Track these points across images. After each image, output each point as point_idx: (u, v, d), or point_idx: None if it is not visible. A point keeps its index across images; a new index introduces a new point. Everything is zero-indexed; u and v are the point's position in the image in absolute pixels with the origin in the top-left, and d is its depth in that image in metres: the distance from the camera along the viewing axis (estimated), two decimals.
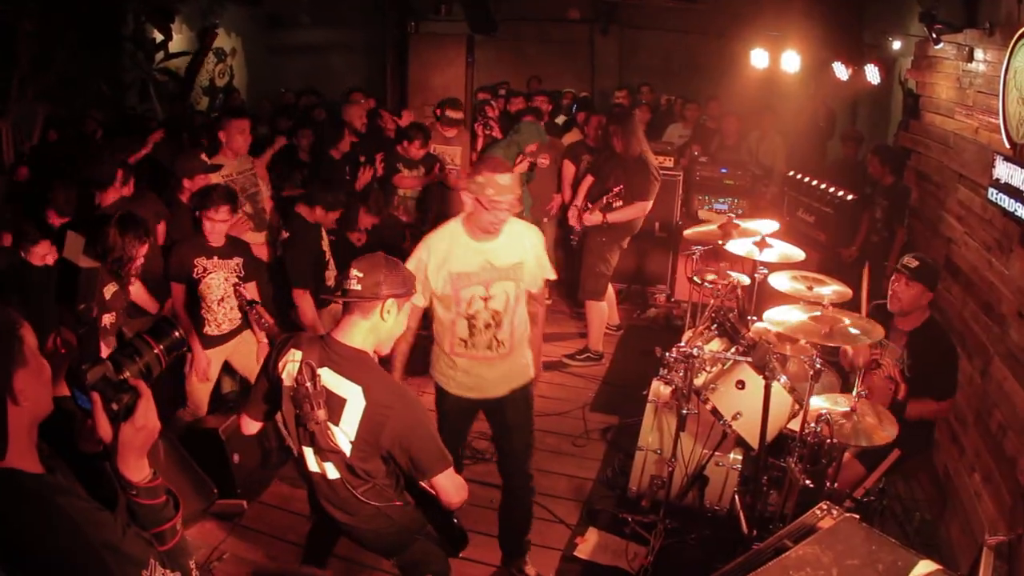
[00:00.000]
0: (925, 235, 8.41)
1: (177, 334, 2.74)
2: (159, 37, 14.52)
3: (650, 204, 9.01)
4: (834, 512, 3.14)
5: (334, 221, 7.80)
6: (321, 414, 3.94)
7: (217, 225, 6.64)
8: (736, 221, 7.00)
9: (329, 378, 3.98)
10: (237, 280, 6.83)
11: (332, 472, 4.12)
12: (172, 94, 15.04)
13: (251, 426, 4.48)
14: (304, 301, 7.28)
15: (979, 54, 7.06)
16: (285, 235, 7.67)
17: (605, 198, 8.95)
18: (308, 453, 4.17)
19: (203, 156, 7.63)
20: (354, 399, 3.94)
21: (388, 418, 3.91)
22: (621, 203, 8.92)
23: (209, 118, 13.05)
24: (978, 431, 6.18)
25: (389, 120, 11.27)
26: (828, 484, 5.24)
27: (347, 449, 3.99)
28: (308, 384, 3.91)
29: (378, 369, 4.11)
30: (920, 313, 5.92)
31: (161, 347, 2.67)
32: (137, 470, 2.49)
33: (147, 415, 2.51)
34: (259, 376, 4.39)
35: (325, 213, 7.55)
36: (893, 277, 5.94)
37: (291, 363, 4.05)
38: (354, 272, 3.94)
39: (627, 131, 8.92)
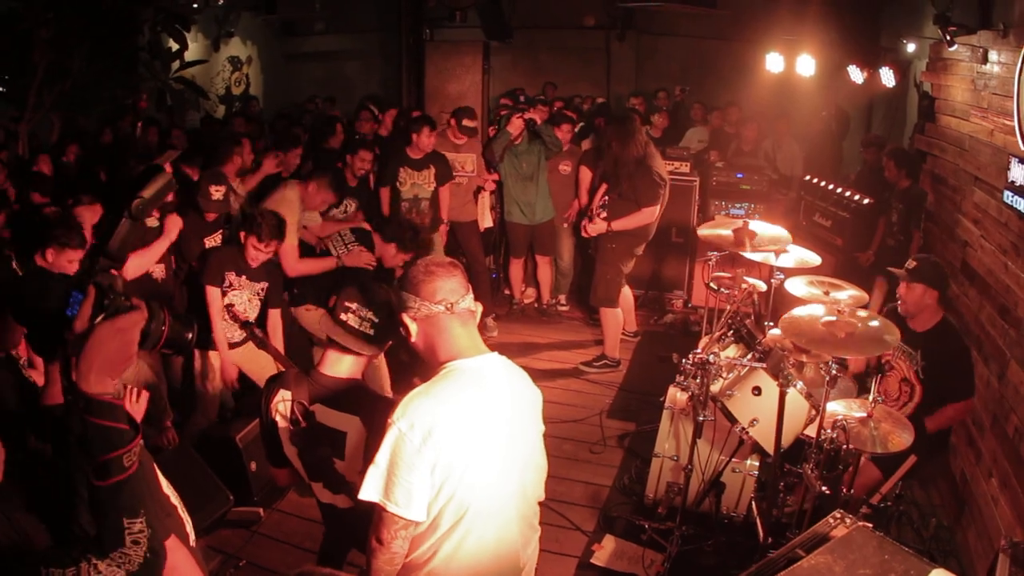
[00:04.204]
0: (941, 238, 8.38)
1: (189, 336, 2.62)
2: (175, 46, 14.57)
3: (657, 209, 8.86)
4: (847, 521, 3.13)
5: (396, 260, 7.64)
6: (323, 451, 3.94)
7: (260, 255, 6.68)
8: (752, 228, 6.95)
9: (323, 414, 3.95)
10: (257, 303, 6.94)
11: (344, 502, 4.09)
12: (188, 102, 15.09)
13: (281, 475, 4.37)
14: None
15: (993, 55, 7.03)
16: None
17: (592, 208, 8.94)
18: (319, 487, 4.14)
19: (220, 192, 7.39)
20: (353, 430, 3.91)
21: None
22: (605, 214, 8.88)
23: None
24: (995, 435, 6.15)
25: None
26: (844, 490, 5.22)
27: (357, 480, 3.96)
28: (303, 423, 3.91)
29: (372, 394, 4.08)
30: (932, 315, 5.93)
31: (167, 327, 2.52)
32: (97, 382, 2.26)
33: (132, 328, 2.37)
34: (259, 424, 4.32)
35: (396, 253, 7.51)
36: (900, 282, 5.98)
37: (282, 403, 4.01)
38: (368, 315, 3.89)
39: (624, 133, 8.80)
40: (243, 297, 6.84)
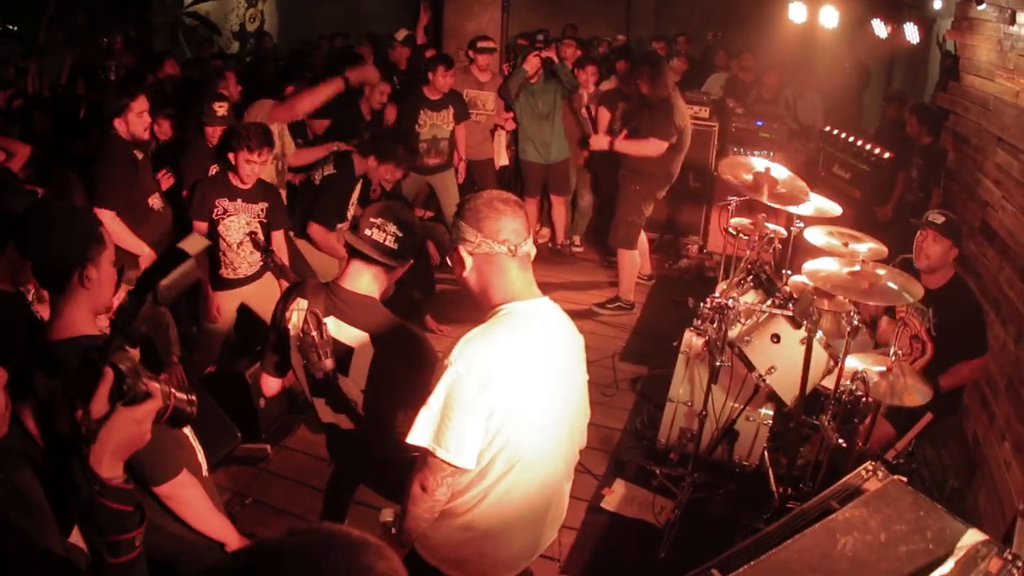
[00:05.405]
0: (961, 197, 8.30)
1: (189, 411, 2.60)
2: None
3: (665, 145, 8.80)
4: (880, 474, 3.13)
5: (385, 174, 7.45)
6: (328, 363, 3.91)
7: (255, 167, 6.40)
8: (774, 174, 6.86)
9: (335, 327, 3.92)
10: (258, 226, 6.66)
11: (346, 423, 4.10)
12: (201, 38, 14.99)
13: (271, 384, 4.39)
14: (318, 232, 7.20)
15: (1021, 17, 6.94)
16: (330, 170, 7.41)
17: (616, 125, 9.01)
18: (321, 404, 4.14)
19: (224, 108, 7.26)
20: (362, 347, 3.88)
21: (396, 365, 3.83)
22: (625, 132, 8.93)
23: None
24: (1010, 399, 6.13)
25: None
26: (860, 444, 5.23)
27: (359, 399, 3.95)
28: (313, 333, 3.88)
29: (386, 314, 4.01)
30: (946, 271, 5.86)
31: (173, 402, 2.52)
32: (110, 467, 2.32)
33: (147, 418, 2.39)
34: (269, 328, 4.29)
35: (378, 164, 7.30)
36: (919, 234, 5.87)
37: (296, 312, 3.99)
38: (392, 228, 3.86)
39: (654, 74, 8.75)
40: (241, 221, 6.57)
